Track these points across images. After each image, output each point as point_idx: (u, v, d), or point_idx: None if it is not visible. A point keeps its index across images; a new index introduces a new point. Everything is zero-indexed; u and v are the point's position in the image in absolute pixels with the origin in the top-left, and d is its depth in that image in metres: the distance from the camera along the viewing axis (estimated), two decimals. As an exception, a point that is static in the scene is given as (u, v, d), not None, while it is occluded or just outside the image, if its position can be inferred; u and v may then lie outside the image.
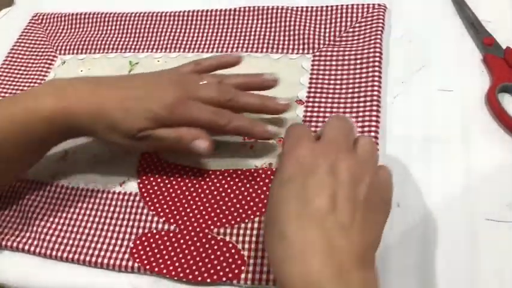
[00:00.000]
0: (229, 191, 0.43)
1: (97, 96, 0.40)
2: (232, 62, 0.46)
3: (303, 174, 0.32)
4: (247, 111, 0.43)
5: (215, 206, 0.42)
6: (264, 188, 0.42)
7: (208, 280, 0.38)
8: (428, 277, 0.36)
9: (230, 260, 0.39)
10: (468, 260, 0.36)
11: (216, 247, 0.40)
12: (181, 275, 0.39)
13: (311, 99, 0.47)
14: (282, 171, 0.33)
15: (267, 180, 0.43)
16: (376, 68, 0.46)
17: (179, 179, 0.45)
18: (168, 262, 0.40)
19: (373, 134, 0.42)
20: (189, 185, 0.44)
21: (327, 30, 0.51)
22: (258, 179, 0.43)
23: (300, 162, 0.32)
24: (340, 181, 0.31)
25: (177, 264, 0.39)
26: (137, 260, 0.40)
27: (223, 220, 0.41)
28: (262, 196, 0.42)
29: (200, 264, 0.39)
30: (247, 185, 0.43)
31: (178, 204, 0.43)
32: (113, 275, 0.41)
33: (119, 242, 0.42)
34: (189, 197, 0.43)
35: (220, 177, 0.44)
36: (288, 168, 0.33)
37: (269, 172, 0.43)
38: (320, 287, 0.28)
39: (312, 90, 0.47)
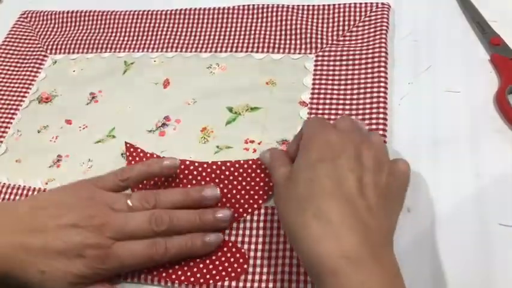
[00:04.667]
0: (225, 190, 0.41)
1: None
2: (165, 172, 0.41)
3: (333, 155, 0.33)
4: (185, 232, 0.38)
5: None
6: (258, 179, 0.41)
7: (211, 282, 0.37)
8: (441, 283, 0.35)
9: (232, 260, 0.37)
10: (481, 266, 0.35)
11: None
12: (182, 278, 0.37)
13: (315, 101, 0.45)
14: (310, 154, 0.34)
15: (262, 175, 0.41)
16: (382, 69, 0.45)
17: (170, 179, 0.42)
18: (167, 266, 0.38)
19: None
20: (184, 182, 0.42)
21: (330, 29, 0.50)
22: (249, 171, 0.41)
23: (329, 144, 0.34)
24: (365, 167, 0.33)
25: (177, 267, 0.38)
26: None
27: None
28: (257, 188, 0.40)
29: (201, 266, 0.38)
30: (239, 178, 0.41)
31: None
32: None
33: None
34: None
35: (213, 175, 0.42)
36: (317, 150, 0.34)
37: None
38: (360, 263, 0.29)
39: (316, 91, 0.46)
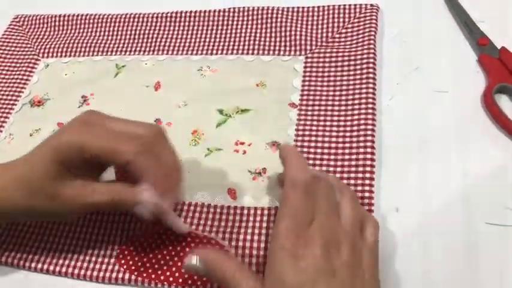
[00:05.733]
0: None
1: None
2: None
3: (305, 280, 0.29)
4: None
5: None
6: None
7: (199, 283, 0.37)
8: (429, 282, 0.35)
9: None
10: (469, 264, 0.36)
11: (200, 246, 0.38)
12: (170, 279, 0.37)
13: (304, 102, 0.46)
14: (287, 274, 0.29)
15: None
16: (371, 70, 0.45)
17: None
18: (156, 266, 0.38)
19: (369, 137, 0.41)
20: None
21: (319, 31, 0.50)
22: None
23: (298, 263, 0.29)
24: (342, 262, 0.30)
25: (164, 268, 0.38)
26: (124, 267, 0.39)
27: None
28: None
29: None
30: None
31: None
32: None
33: (108, 252, 0.40)
34: None
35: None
36: (285, 269, 0.29)
37: None
38: None
39: (305, 93, 0.46)
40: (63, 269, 0.40)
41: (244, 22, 0.53)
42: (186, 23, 0.55)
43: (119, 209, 0.38)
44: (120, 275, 0.39)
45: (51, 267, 0.40)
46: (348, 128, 0.43)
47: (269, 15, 0.52)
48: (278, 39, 0.51)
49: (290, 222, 0.31)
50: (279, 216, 0.32)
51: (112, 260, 0.40)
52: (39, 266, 0.40)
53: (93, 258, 0.40)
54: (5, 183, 0.36)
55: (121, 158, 0.34)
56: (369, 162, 0.40)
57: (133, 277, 0.38)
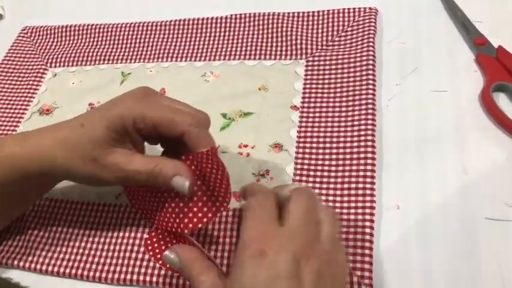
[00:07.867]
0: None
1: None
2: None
3: (267, 279, 0.29)
4: None
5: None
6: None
7: None
8: (430, 278, 0.36)
9: None
10: (469, 259, 0.36)
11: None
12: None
13: (306, 105, 0.47)
14: (244, 272, 0.29)
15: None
16: (370, 72, 0.46)
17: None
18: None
19: (369, 137, 0.42)
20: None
21: (319, 35, 0.51)
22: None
23: (262, 262, 0.29)
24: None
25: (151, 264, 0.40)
26: (151, 253, 0.39)
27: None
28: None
29: None
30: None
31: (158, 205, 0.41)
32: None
33: (116, 254, 0.41)
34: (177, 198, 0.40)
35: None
36: (250, 269, 0.29)
37: None
38: None
39: (307, 95, 0.47)
40: (74, 271, 0.41)
41: (246, 28, 0.54)
42: (189, 30, 0.56)
43: (158, 182, 0.36)
44: (129, 277, 0.40)
45: (61, 270, 0.41)
46: (349, 129, 0.44)
47: (270, 21, 0.53)
48: (279, 43, 0.52)
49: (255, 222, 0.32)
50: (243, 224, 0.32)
51: (124, 264, 0.41)
52: (50, 268, 0.42)
53: (107, 261, 0.41)
54: (50, 143, 0.37)
55: (177, 128, 0.36)
56: (369, 161, 0.41)
57: (141, 278, 0.39)
